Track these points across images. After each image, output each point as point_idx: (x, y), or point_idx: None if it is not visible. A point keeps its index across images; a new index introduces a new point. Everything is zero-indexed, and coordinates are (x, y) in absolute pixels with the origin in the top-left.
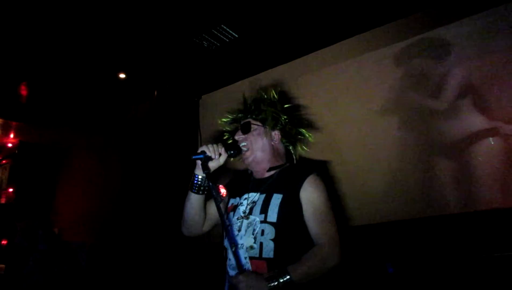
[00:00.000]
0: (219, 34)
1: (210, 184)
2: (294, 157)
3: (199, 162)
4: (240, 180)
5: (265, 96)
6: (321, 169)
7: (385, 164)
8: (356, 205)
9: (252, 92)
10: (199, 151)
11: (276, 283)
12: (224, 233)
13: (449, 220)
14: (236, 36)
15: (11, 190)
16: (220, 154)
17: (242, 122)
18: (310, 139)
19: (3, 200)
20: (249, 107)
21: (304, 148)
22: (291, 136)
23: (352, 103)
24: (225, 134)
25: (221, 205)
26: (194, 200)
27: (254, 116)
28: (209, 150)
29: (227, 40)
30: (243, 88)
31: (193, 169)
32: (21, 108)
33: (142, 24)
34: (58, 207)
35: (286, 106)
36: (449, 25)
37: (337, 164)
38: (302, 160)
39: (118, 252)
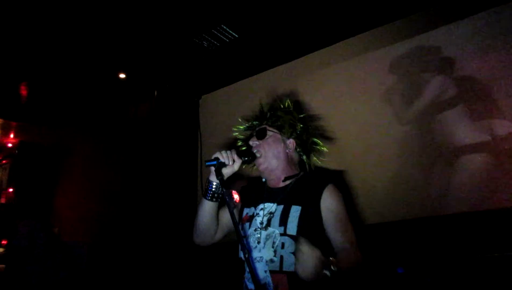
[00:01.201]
0: (219, 34)
1: (224, 190)
2: (308, 166)
3: (212, 168)
4: (253, 188)
5: (281, 105)
6: (337, 179)
7: (386, 164)
8: (358, 204)
9: (251, 93)
10: (212, 157)
11: (327, 271)
12: (240, 243)
13: (449, 220)
14: (236, 36)
15: (11, 190)
16: (234, 160)
17: (257, 128)
18: (324, 149)
19: (3, 200)
20: (265, 114)
21: (317, 158)
22: (306, 146)
23: (352, 104)
24: (238, 141)
25: (235, 212)
26: (208, 207)
27: (270, 123)
28: (223, 156)
29: (227, 40)
30: (243, 88)
31: (194, 171)
32: (21, 108)
33: (142, 24)
34: (58, 207)
35: (301, 115)
36: (449, 25)
37: (337, 164)
38: (317, 169)
39: (118, 252)
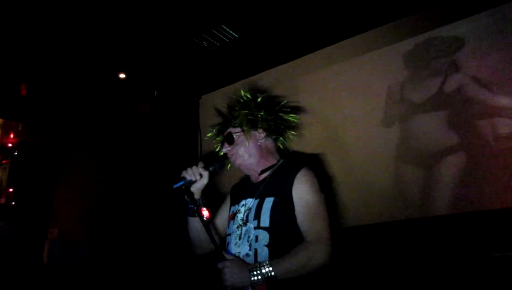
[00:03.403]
0: (219, 34)
1: (195, 208)
2: (287, 149)
3: (183, 188)
4: (240, 186)
5: (240, 100)
6: (312, 162)
7: (385, 164)
8: (355, 204)
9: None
10: (181, 177)
11: (259, 276)
12: (228, 243)
13: (449, 220)
14: (236, 36)
15: (11, 190)
16: (201, 175)
17: (224, 134)
18: (296, 120)
19: (3, 200)
20: (225, 116)
21: (293, 133)
22: (274, 128)
23: (353, 103)
24: (216, 145)
25: (222, 218)
26: (192, 223)
27: (233, 124)
28: (188, 173)
29: (227, 40)
30: (243, 88)
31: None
32: (21, 108)
33: (142, 24)
34: (58, 207)
35: (259, 99)
36: (450, 25)
37: (337, 163)
38: (295, 154)
39: (118, 253)
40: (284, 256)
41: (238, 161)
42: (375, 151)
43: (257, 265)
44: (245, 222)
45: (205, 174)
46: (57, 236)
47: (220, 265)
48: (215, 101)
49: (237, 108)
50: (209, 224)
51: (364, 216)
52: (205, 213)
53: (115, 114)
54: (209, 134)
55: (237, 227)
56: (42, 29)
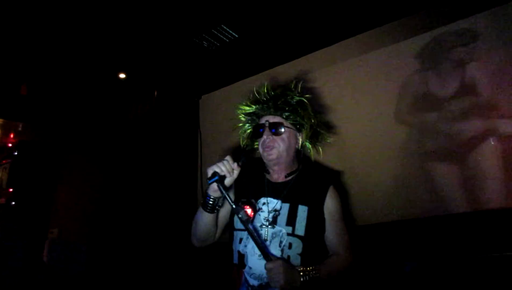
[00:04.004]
0: (219, 34)
1: (236, 207)
2: (308, 159)
3: (215, 185)
4: (250, 178)
5: (295, 94)
6: (337, 180)
7: (387, 164)
8: (359, 204)
9: (251, 93)
10: (209, 174)
11: (307, 278)
12: (240, 239)
13: (449, 220)
14: (236, 36)
15: (11, 190)
16: (233, 169)
17: (272, 121)
18: (328, 140)
19: (3, 200)
20: (277, 102)
21: (321, 150)
22: (315, 139)
23: (357, 102)
24: (241, 124)
25: (231, 195)
26: (208, 218)
27: (285, 116)
28: (222, 169)
29: (227, 40)
30: (243, 88)
31: (194, 171)
32: (21, 108)
33: (142, 24)
34: (58, 207)
35: (317, 114)
36: (453, 23)
37: (341, 162)
38: (316, 164)
39: (118, 253)
40: (325, 264)
41: (275, 156)
42: (375, 151)
43: (308, 270)
44: (272, 224)
45: (237, 169)
46: (57, 236)
47: (270, 264)
48: (215, 101)
49: (295, 103)
50: (248, 224)
51: (364, 216)
52: (249, 211)
53: (115, 114)
54: (247, 108)
55: (260, 226)
56: (42, 29)
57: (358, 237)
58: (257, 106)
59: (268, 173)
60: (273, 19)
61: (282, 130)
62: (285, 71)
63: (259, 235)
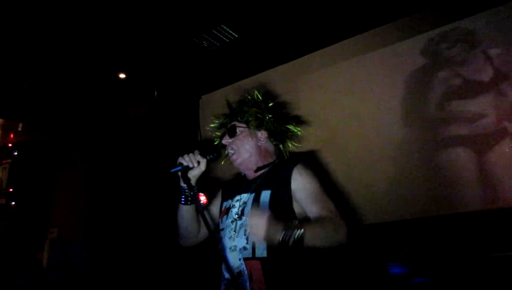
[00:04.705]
0: (219, 34)
1: (191, 193)
2: (284, 154)
3: (179, 173)
4: (233, 182)
5: (249, 98)
6: (306, 158)
7: (386, 164)
8: (359, 204)
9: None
10: (177, 163)
11: (290, 236)
12: (219, 238)
13: (449, 220)
14: (236, 36)
15: (11, 190)
16: (198, 162)
17: (228, 126)
18: (299, 133)
19: (3, 200)
20: (234, 110)
21: (294, 144)
22: (277, 134)
23: (356, 102)
24: (215, 139)
25: (211, 211)
26: (185, 211)
27: (239, 119)
28: (185, 160)
29: (227, 40)
30: (243, 88)
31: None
32: (21, 108)
33: (142, 24)
34: (58, 207)
35: (270, 104)
36: (453, 23)
37: (341, 162)
38: (292, 155)
39: (117, 253)
40: (312, 223)
41: (238, 160)
42: (375, 151)
43: (291, 225)
44: (240, 216)
45: (203, 161)
46: (57, 236)
47: (257, 211)
48: (215, 101)
49: (247, 104)
50: (204, 211)
51: (364, 216)
52: (202, 198)
53: (115, 114)
54: (213, 125)
55: (231, 222)
56: (42, 29)
57: (358, 237)
58: (221, 119)
59: (245, 174)
60: (273, 19)
61: (235, 131)
62: (285, 71)
63: (230, 230)
